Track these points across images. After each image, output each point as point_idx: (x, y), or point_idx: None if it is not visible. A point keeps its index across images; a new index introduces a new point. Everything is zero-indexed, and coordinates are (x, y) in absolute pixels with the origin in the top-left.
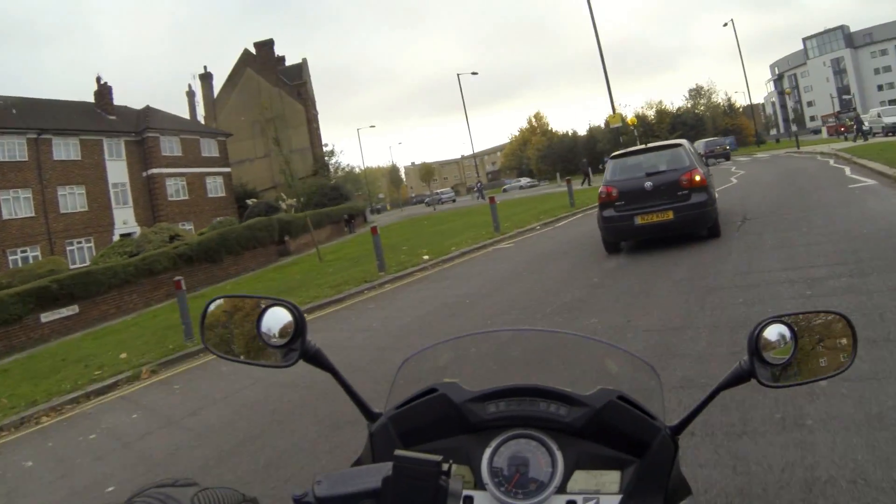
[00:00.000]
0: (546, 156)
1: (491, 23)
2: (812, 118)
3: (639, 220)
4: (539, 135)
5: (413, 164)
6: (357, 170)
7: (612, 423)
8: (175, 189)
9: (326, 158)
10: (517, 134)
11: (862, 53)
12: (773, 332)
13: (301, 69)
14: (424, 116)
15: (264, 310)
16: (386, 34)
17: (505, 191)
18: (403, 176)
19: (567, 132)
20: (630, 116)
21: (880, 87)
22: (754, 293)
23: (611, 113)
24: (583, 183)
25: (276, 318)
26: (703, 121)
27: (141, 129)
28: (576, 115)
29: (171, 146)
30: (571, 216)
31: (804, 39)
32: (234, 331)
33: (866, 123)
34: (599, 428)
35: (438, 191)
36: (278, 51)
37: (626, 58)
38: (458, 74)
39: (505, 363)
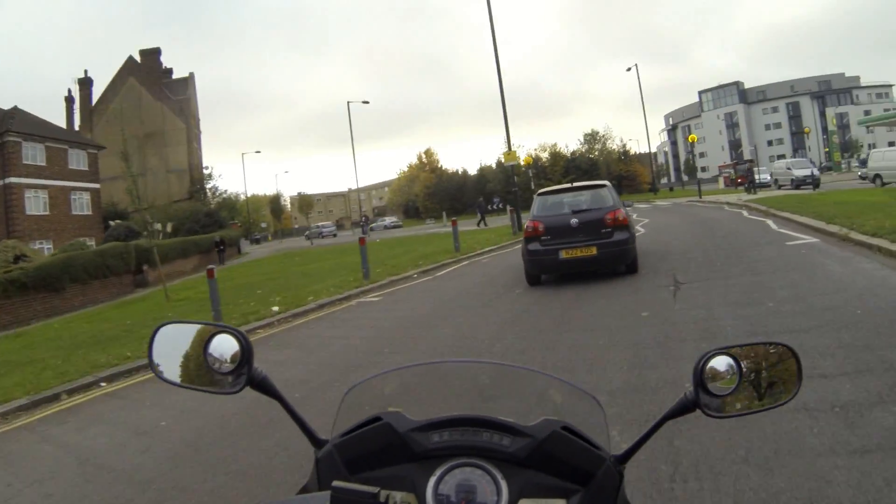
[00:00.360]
0: (434, 193)
1: (391, 57)
2: (703, 168)
3: (563, 255)
4: (428, 171)
5: (298, 194)
6: (238, 196)
7: (556, 453)
8: (35, 203)
9: (205, 182)
10: (406, 170)
11: (754, 109)
12: (717, 363)
13: (187, 84)
14: (319, 146)
15: (211, 336)
16: (288, 59)
17: (372, 229)
18: (288, 205)
19: (457, 170)
20: (524, 157)
21: (770, 143)
22: None
23: (506, 150)
24: (478, 224)
25: (223, 345)
26: (597, 165)
27: (1, 131)
28: (468, 155)
29: (34, 154)
30: (456, 263)
31: (700, 92)
32: (181, 357)
33: (761, 176)
34: (544, 457)
35: (319, 224)
36: (180, 65)
37: (521, 101)
38: (348, 102)
39: (449, 394)
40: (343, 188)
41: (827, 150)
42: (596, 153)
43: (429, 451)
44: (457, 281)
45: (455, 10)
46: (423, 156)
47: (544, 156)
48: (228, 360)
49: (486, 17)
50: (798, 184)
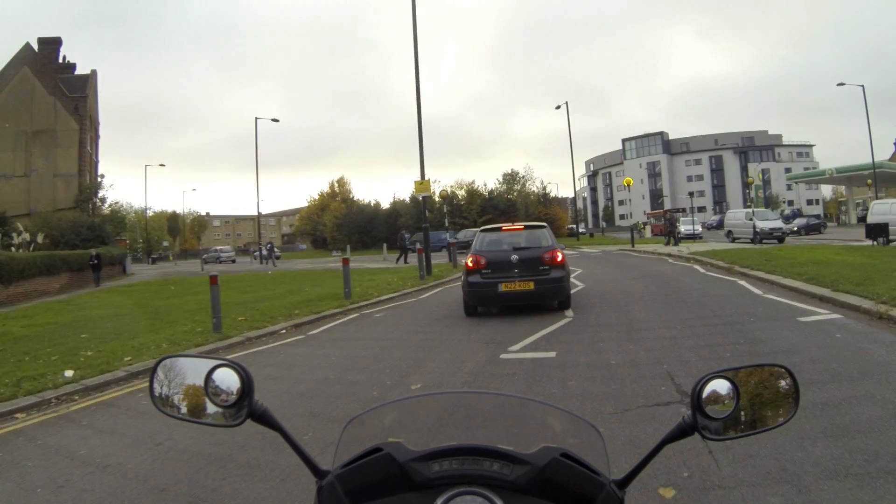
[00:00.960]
0: (343, 224)
1: (315, 85)
2: (623, 216)
3: (502, 288)
4: (339, 201)
5: (207, 214)
6: (131, 210)
7: (557, 479)
8: None
9: (96, 191)
10: (316, 198)
11: (677, 160)
12: (715, 386)
13: (87, 81)
14: (239, 168)
15: (212, 370)
16: (212, 78)
17: (278, 258)
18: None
19: (370, 202)
20: (438, 192)
21: (691, 194)
22: None
23: (418, 180)
24: (398, 260)
25: (224, 379)
26: (515, 206)
27: None
28: (383, 189)
29: None
30: (342, 314)
31: (623, 140)
32: (182, 390)
33: (686, 227)
34: (544, 485)
35: (217, 248)
36: (105, 70)
37: (441, 139)
38: (255, 118)
39: (449, 424)
40: (254, 212)
41: (750, 203)
42: (515, 194)
43: (430, 481)
44: (330, 350)
45: (382, 43)
46: (336, 184)
47: (461, 193)
48: (229, 394)
49: (412, 51)
50: (763, 237)
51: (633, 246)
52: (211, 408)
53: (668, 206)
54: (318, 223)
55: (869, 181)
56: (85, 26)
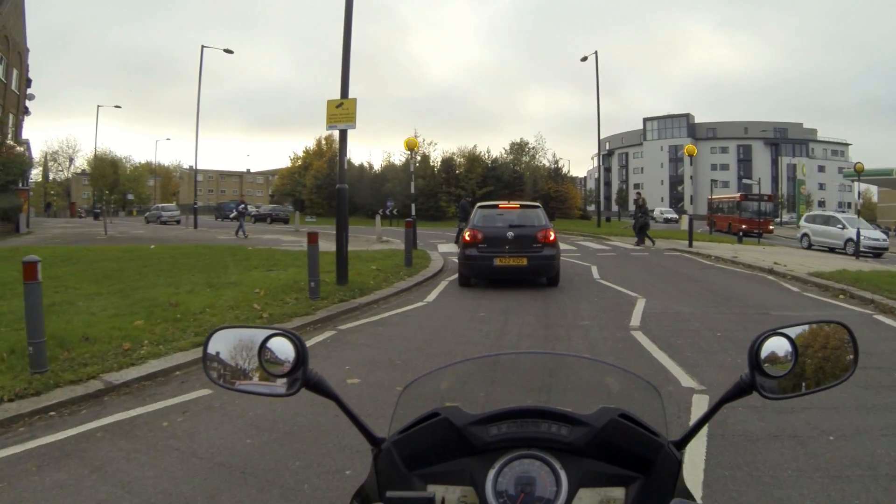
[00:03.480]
0: (323, 186)
1: (323, 48)
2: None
3: (497, 262)
4: (324, 161)
5: (190, 168)
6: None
7: (615, 440)
8: None
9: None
10: (301, 154)
11: (702, 146)
12: (772, 345)
13: None
14: (248, 126)
15: (265, 340)
16: (221, 34)
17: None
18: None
19: (361, 164)
20: (435, 158)
21: (714, 183)
22: None
23: (412, 136)
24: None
25: (278, 349)
26: (522, 179)
27: None
28: (379, 155)
29: None
30: (318, 332)
31: (645, 120)
32: (236, 361)
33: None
34: (602, 446)
35: (160, 206)
36: (109, 21)
37: (449, 110)
38: (202, 46)
39: (506, 386)
40: (242, 169)
41: (782, 199)
42: (523, 165)
43: (487, 445)
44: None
45: (396, 10)
46: (323, 141)
47: (460, 160)
48: (284, 363)
49: (421, 19)
50: (859, 252)
51: (690, 245)
52: (266, 377)
53: (688, 194)
54: (299, 184)
55: None
56: None
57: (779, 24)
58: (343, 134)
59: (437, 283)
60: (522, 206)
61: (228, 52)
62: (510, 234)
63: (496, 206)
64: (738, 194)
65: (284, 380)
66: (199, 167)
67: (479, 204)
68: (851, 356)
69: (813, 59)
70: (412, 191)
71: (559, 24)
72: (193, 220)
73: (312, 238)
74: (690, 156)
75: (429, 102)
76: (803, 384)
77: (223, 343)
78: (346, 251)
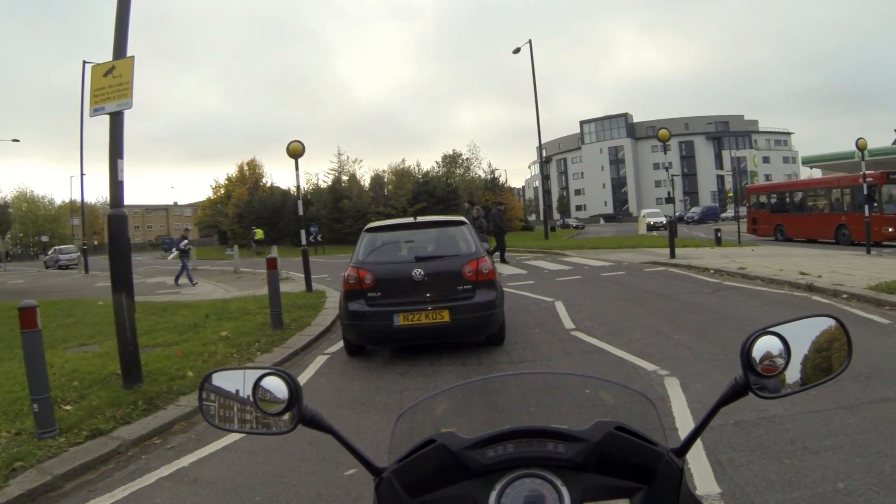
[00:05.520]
0: (244, 214)
1: (252, 75)
2: (579, 207)
3: (400, 321)
4: (246, 187)
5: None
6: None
7: (614, 453)
8: None
9: None
10: (224, 182)
11: (642, 145)
12: (764, 345)
13: None
14: (178, 159)
15: (259, 379)
16: (148, 64)
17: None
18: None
19: (287, 189)
20: (362, 174)
21: (657, 184)
22: None
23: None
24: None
25: (272, 387)
26: (457, 193)
27: None
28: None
29: None
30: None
31: (582, 123)
32: (232, 402)
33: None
34: (602, 460)
35: (58, 248)
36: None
37: (381, 129)
38: (84, 62)
39: (499, 408)
40: (168, 201)
41: (731, 194)
42: (457, 178)
43: (486, 467)
44: None
45: (322, 34)
46: (245, 167)
47: (387, 176)
48: (279, 402)
49: (348, 41)
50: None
51: (672, 255)
52: (262, 417)
53: (632, 196)
54: (221, 214)
55: None
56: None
57: (701, 22)
58: (116, 120)
59: (313, 356)
60: (437, 224)
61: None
62: (418, 271)
63: (394, 227)
64: (876, 173)
65: (282, 417)
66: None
67: (367, 226)
68: (845, 350)
69: (739, 55)
70: (300, 212)
71: (484, 36)
72: (83, 263)
73: (26, 319)
74: (663, 142)
75: (358, 124)
76: (798, 381)
77: (218, 385)
78: (132, 326)
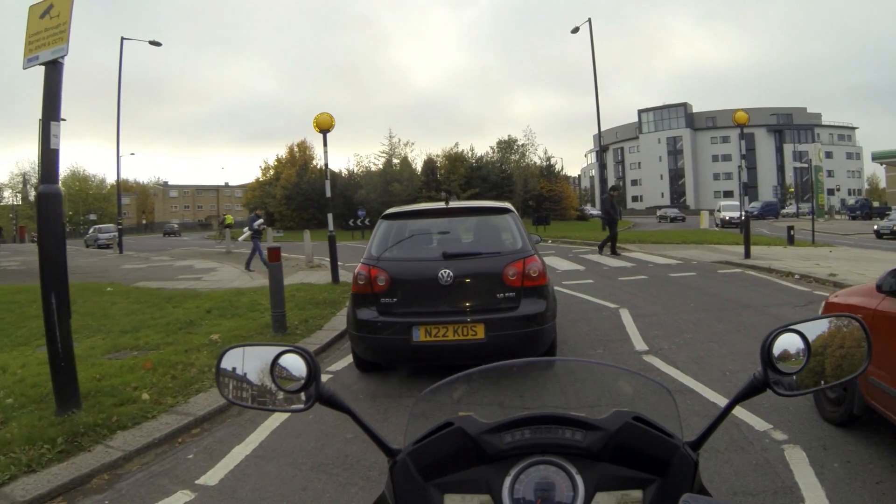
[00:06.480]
0: (292, 196)
1: (305, 60)
2: (636, 198)
3: (420, 336)
4: (295, 169)
5: (165, 184)
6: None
7: (630, 444)
8: None
9: None
10: (273, 164)
11: (701, 136)
12: (784, 342)
13: None
14: (237, 140)
15: (277, 356)
16: (204, 53)
17: (86, 243)
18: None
19: (339, 171)
20: (413, 158)
21: (716, 176)
22: None
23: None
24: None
25: (290, 365)
26: (511, 179)
27: None
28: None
29: None
30: None
31: (640, 112)
32: (250, 379)
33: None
34: (617, 450)
35: (100, 227)
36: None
37: (437, 116)
38: (122, 38)
39: (519, 393)
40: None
41: (792, 189)
42: (512, 164)
43: (502, 452)
44: None
45: (376, 20)
46: (296, 149)
47: (440, 160)
48: (297, 379)
49: (402, 28)
50: None
51: (747, 255)
52: (279, 393)
53: (690, 188)
54: (269, 195)
55: None
56: None
57: (758, 14)
58: (52, 72)
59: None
60: (474, 212)
61: (155, 44)
62: (446, 272)
63: (420, 214)
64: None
65: (299, 395)
66: (174, 182)
67: (385, 212)
68: (864, 349)
69: (797, 49)
70: (328, 194)
71: (539, 25)
72: (118, 243)
73: None
74: (742, 125)
75: (413, 110)
76: (816, 379)
77: (236, 361)
78: (64, 334)
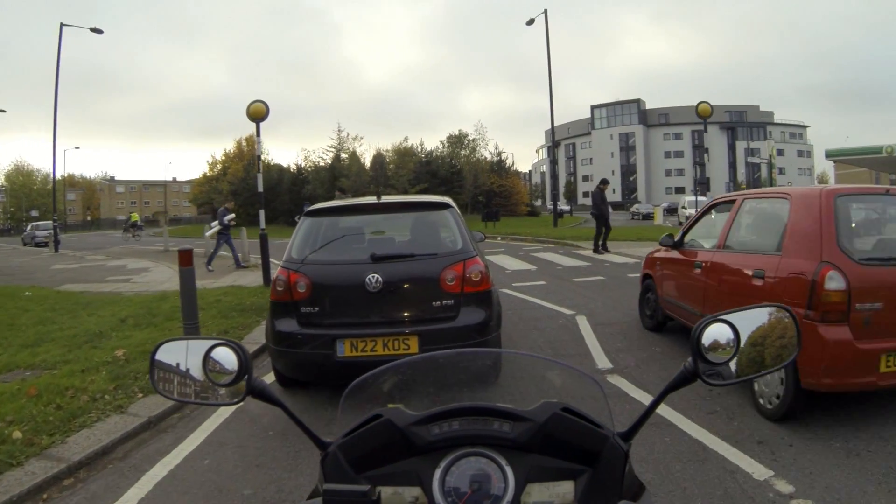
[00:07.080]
0: (239, 192)
1: (259, 54)
2: (586, 194)
3: (346, 350)
4: (243, 164)
5: (111, 179)
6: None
7: (559, 435)
8: None
9: None
10: (221, 158)
11: (654, 133)
12: (714, 332)
13: None
14: (185, 136)
15: (209, 350)
16: (157, 44)
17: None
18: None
19: (287, 166)
20: (364, 153)
21: (668, 172)
22: None
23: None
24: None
25: (222, 358)
26: (461, 174)
27: None
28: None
29: None
30: None
31: (593, 107)
32: (183, 372)
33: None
34: (547, 440)
35: (37, 223)
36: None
37: (385, 112)
38: (60, 24)
39: (448, 385)
40: (166, 177)
41: (744, 185)
42: (462, 159)
43: (431, 444)
44: None
45: (327, 12)
46: (244, 143)
47: (389, 155)
48: (229, 373)
49: (355, 22)
50: None
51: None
52: (212, 387)
53: (642, 184)
54: (216, 190)
55: None
56: None
57: (711, 14)
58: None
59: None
60: (410, 207)
61: (97, 31)
62: (375, 277)
63: (348, 210)
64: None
65: (230, 388)
66: (121, 177)
67: (308, 209)
68: (794, 337)
69: (748, 49)
70: (260, 188)
71: (493, 20)
72: (54, 241)
73: None
74: (704, 117)
75: (365, 105)
76: (746, 368)
77: (169, 355)
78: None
